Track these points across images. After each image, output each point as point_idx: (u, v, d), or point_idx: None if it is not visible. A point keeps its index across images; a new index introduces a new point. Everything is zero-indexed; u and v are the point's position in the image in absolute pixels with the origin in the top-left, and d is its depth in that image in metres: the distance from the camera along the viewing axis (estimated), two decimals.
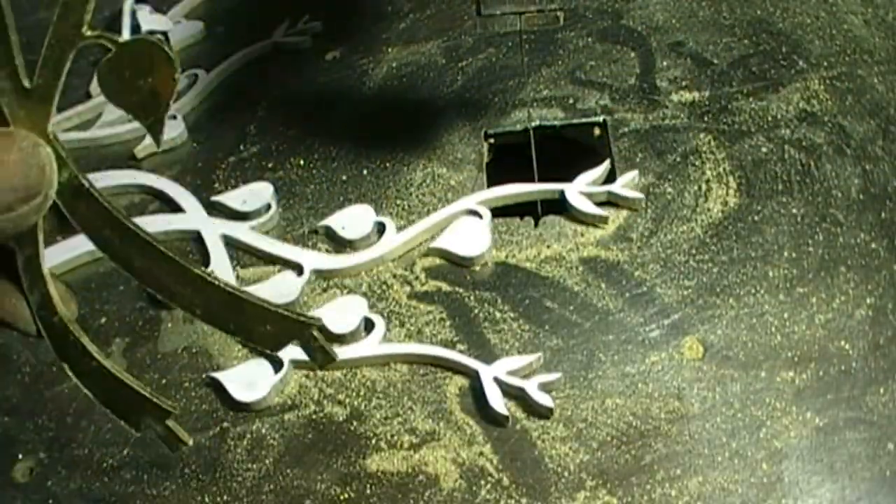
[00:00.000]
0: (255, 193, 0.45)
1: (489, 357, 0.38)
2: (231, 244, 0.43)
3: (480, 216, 0.43)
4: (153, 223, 0.44)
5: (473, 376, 0.37)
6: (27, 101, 0.26)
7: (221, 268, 0.41)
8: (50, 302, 0.26)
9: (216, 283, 0.26)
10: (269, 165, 0.48)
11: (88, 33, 0.25)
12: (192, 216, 0.44)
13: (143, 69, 0.25)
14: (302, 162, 0.48)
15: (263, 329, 0.26)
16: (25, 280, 0.26)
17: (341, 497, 0.35)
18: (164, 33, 0.56)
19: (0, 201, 0.24)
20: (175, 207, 0.45)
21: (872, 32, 0.50)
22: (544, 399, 0.35)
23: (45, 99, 0.26)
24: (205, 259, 0.43)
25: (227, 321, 0.26)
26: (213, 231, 0.43)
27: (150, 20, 0.57)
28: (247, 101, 0.52)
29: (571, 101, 0.49)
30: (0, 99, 0.26)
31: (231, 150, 0.49)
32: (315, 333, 0.26)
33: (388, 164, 0.47)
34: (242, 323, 0.26)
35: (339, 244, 0.43)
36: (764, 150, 0.44)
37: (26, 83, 0.26)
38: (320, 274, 0.42)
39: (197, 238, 0.44)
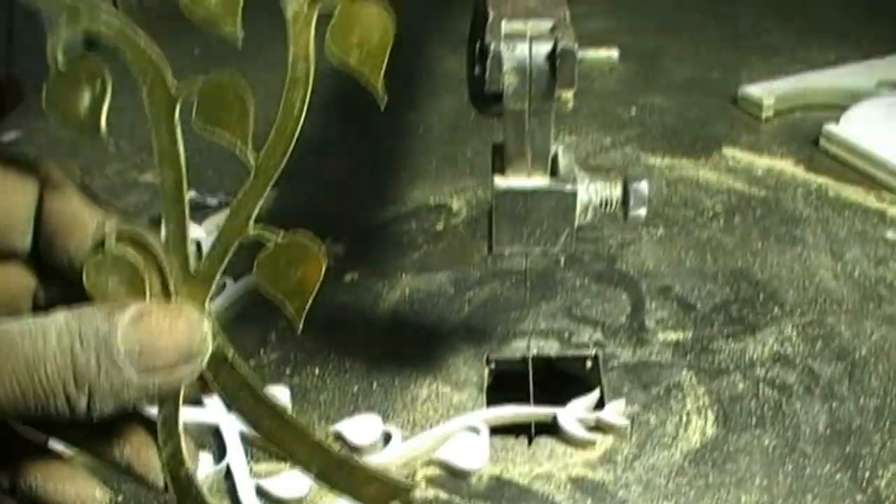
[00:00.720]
0: (273, 397, 0.49)
1: None
2: (247, 440, 0.46)
3: (479, 432, 0.46)
4: None
5: None
6: (190, 282, 0.29)
7: (237, 461, 0.44)
8: (181, 455, 0.29)
9: (331, 448, 0.29)
10: (287, 371, 0.52)
11: (253, 228, 0.28)
12: (213, 411, 0.48)
13: (295, 260, 0.28)
14: (317, 371, 0.52)
15: (369, 489, 0.29)
16: (162, 434, 0.29)
17: None
18: (198, 242, 0.62)
19: (167, 361, 0.27)
20: (196, 401, 0.49)
21: (841, 285, 0.56)
22: None
23: (207, 281, 0.29)
24: (221, 452, 0.46)
25: (338, 481, 0.29)
26: (232, 427, 0.46)
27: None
28: (269, 310, 0.56)
29: (567, 334, 0.53)
30: (169, 278, 0.29)
31: (252, 354, 0.54)
32: (414, 495, 0.29)
33: (396, 380, 0.51)
34: (351, 483, 0.29)
35: (348, 449, 0.46)
36: (740, 386, 0.48)
37: (192, 268, 0.29)
38: None
39: (215, 432, 0.47)
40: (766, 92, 0.78)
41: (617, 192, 0.38)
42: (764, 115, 0.77)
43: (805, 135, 0.73)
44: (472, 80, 0.36)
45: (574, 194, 0.36)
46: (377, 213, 0.66)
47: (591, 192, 0.37)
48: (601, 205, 0.38)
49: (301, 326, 0.29)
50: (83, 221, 0.31)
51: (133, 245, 0.30)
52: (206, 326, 0.29)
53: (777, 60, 0.88)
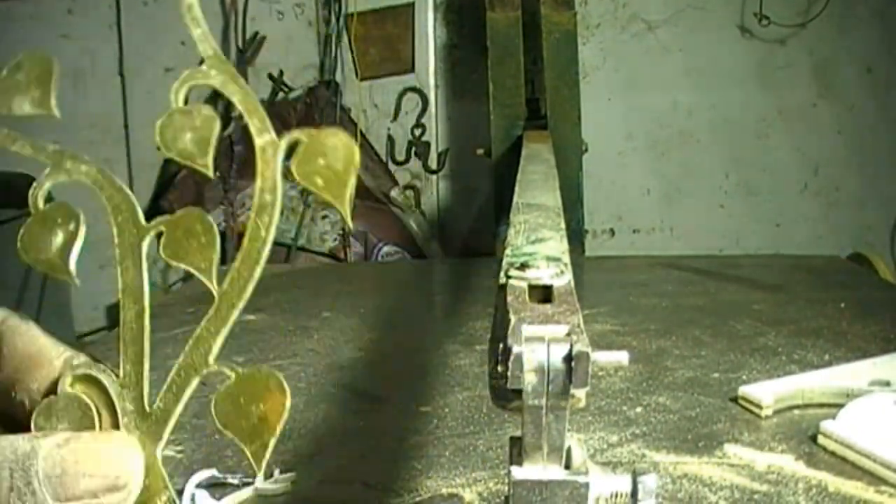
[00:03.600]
0: None
1: None
2: None
3: None
4: None
5: None
6: (145, 422, 0.28)
7: None
8: None
9: None
10: None
11: (213, 363, 0.28)
12: None
13: (256, 396, 0.28)
14: None
15: None
16: None
17: None
18: None
19: (89, 488, 0.25)
20: None
21: None
22: None
23: (162, 421, 0.28)
24: None
25: None
26: None
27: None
28: None
29: None
30: (122, 417, 0.28)
31: None
32: None
33: None
34: None
35: None
36: None
37: (147, 406, 0.28)
38: None
39: None
40: (765, 391, 0.81)
41: (626, 485, 0.40)
42: (763, 413, 0.80)
43: (804, 432, 0.76)
44: (493, 377, 0.40)
45: (587, 486, 0.39)
46: (391, 501, 0.67)
47: (602, 484, 0.40)
48: (612, 497, 0.40)
49: (262, 471, 0.29)
50: (49, 357, 0.31)
51: (87, 384, 0.30)
52: (139, 459, 0.27)
53: (775, 361, 0.93)
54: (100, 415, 0.29)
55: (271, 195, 0.29)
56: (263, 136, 0.29)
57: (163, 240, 0.30)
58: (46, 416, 0.29)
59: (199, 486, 0.67)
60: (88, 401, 0.29)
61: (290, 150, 0.30)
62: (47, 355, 0.31)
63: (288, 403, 0.28)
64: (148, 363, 0.30)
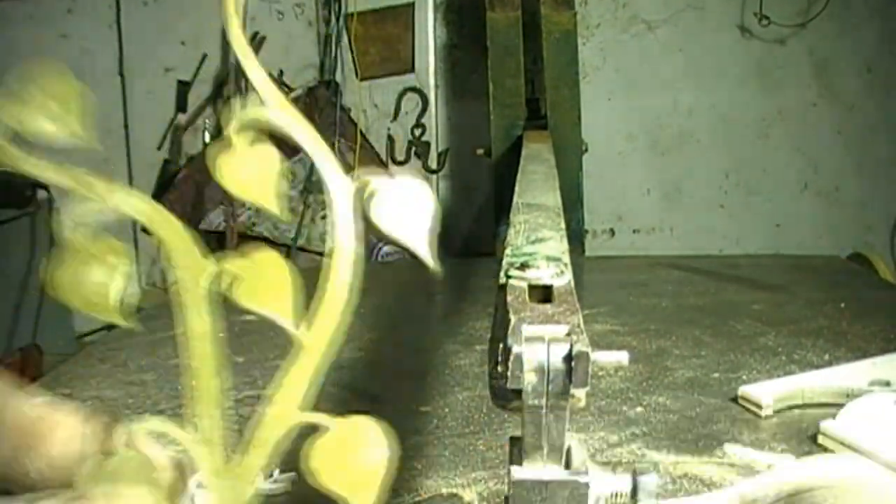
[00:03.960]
0: None
1: None
2: None
3: None
4: None
5: None
6: (226, 479, 0.25)
7: None
8: None
9: None
10: None
11: (302, 415, 0.25)
12: None
13: (355, 447, 0.25)
14: None
15: None
16: None
17: None
18: None
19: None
20: None
21: None
22: None
23: (246, 478, 0.25)
24: None
25: None
26: None
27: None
28: None
29: None
30: (200, 475, 0.25)
31: None
32: None
33: None
34: None
35: None
36: None
37: (227, 461, 0.26)
38: None
39: None
40: (765, 391, 0.81)
41: (626, 484, 0.40)
42: (763, 413, 0.80)
43: (804, 431, 0.76)
44: (493, 377, 0.40)
45: (587, 485, 0.39)
46: (391, 500, 0.67)
47: (602, 484, 0.40)
48: (612, 496, 0.40)
49: None
50: (51, 424, 0.29)
51: (146, 441, 0.27)
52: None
53: (774, 361, 0.93)
54: (165, 472, 0.27)
55: (349, 237, 0.27)
56: (338, 180, 0.28)
57: (234, 280, 0.28)
58: (97, 477, 0.27)
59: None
60: (153, 458, 0.27)
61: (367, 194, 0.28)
62: (49, 423, 0.29)
63: (389, 455, 0.26)
64: (222, 415, 0.27)
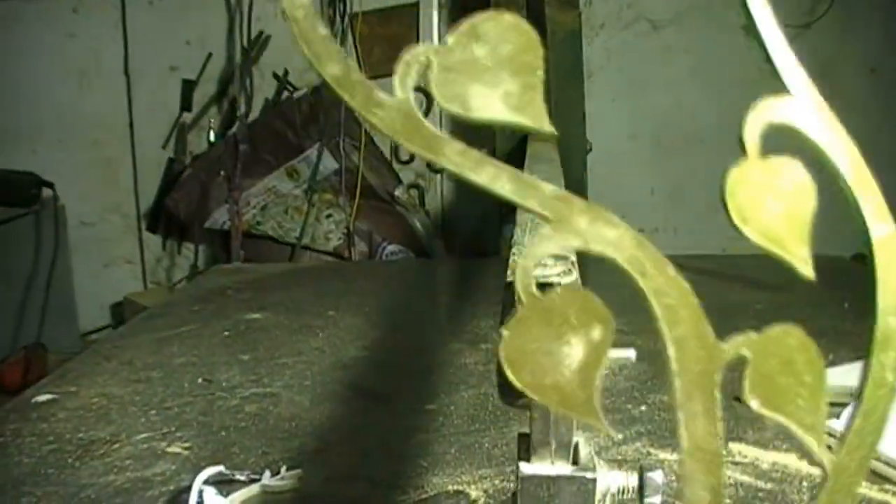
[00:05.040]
0: None
1: None
2: None
3: None
4: None
5: None
6: None
7: None
8: None
9: None
10: None
11: None
12: None
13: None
14: None
15: None
16: None
17: None
18: None
19: None
20: None
21: None
22: None
23: None
24: None
25: None
26: None
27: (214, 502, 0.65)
28: None
29: None
30: None
31: None
32: None
33: None
34: None
35: None
36: None
37: None
38: None
39: None
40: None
41: (633, 480, 0.41)
42: None
43: None
44: (501, 374, 0.41)
45: (594, 481, 0.39)
46: (397, 498, 0.68)
47: (609, 480, 0.40)
48: (618, 492, 0.40)
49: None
50: None
51: None
52: None
53: None
54: None
55: None
56: (881, 227, 0.21)
57: (748, 374, 0.21)
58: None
59: (206, 482, 0.68)
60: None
61: None
62: None
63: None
64: None
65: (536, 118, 0.20)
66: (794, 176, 0.23)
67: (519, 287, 0.20)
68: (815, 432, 0.21)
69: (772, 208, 0.21)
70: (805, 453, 0.73)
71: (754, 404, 0.21)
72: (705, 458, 0.20)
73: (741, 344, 0.20)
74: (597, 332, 0.20)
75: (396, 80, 0.20)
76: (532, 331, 0.19)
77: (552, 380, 0.19)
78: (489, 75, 0.20)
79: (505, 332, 0.20)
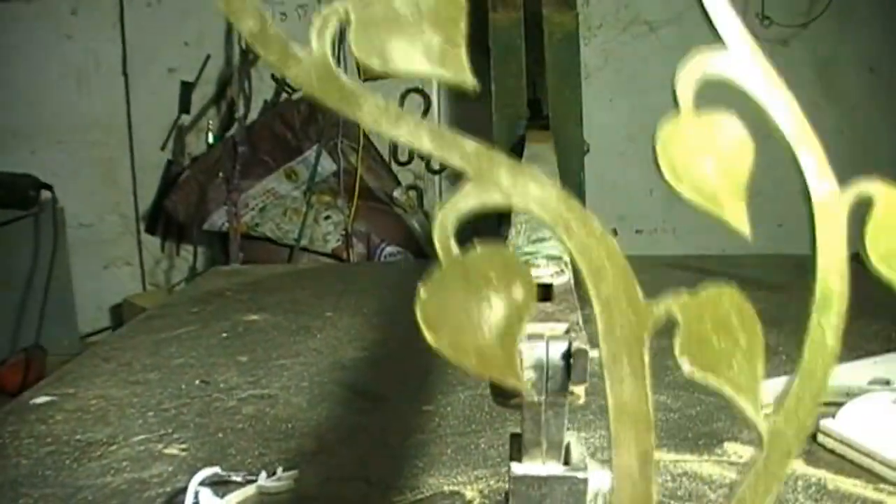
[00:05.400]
0: None
1: None
2: None
3: None
4: None
5: None
6: None
7: None
8: None
9: None
10: None
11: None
12: None
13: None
14: None
15: None
16: None
17: None
18: None
19: None
20: None
21: None
22: None
23: None
24: None
25: None
26: None
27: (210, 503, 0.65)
28: None
29: None
30: None
31: None
32: None
33: None
34: None
35: None
36: None
37: None
38: None
39: None
40: (765, 390, 0.82)
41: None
42: (764, 411, 0.80)
43: None
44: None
45: (585, 481, 0.39)
46: (394, 498, 0.68)
47: (600, 480, 0.40)
48: (610, 492, 0.40)
49: None
50: None
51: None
52: None
53: (775, 360, 0.93)
54: None
55: (837, 278, 0.20)
56: (822, 184, 0.20)
57: (678, 335, 0.20)
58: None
59: (202, 483, 0.68)
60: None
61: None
62: None
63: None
64: None
65: (458, 72, 0.20)
66: (730, 131, 0.22)
67: (437, 245, 0.19)
68: (751, 396, 0.20)
69: (706, 164, 0.21)
70: (801, 453, 0.73)
71: (686, 367, 0.20)
72: (634, 422, 0.20)
73: (671, 305, 0.20)
74: (518, 292, 0.19)
75: (314, 33, 0.20)
76: (451, 290, 0.19)
77: (471, 340, 0.19)
78: (410, 28, 0.19)
79: (421, 291, 0.19)
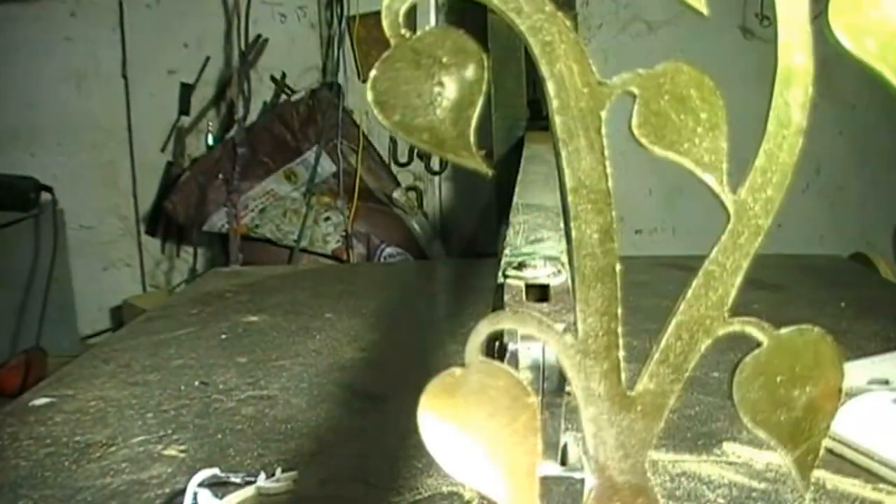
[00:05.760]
0: None
1: None
2: None
3: None
4: None
5: None
6: (623, 410, 0.17)
7: None
8: None
9: None
10: None
11: (730, 318, 0.17)
12: None
13: (803, 373, 0.18)
14: None
15: None
16: None
17: None
18: None
19: None
20: None
21: None
22: None
23: (652, 409, 0.17)
24: None
25: None
26: None
27: None
28: None
29: None
30: (582, 403, 0.17)
31: None
32: None
33: None
34: None
35: None
36: None
37: (624, 384, 0.17)
38: None
39: None
40: None
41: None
42: None
43: None
44: None
45: (582, 481, 0.39)
46: (392, 499, 0.68)
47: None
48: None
49: (808, 486, 0.19)
50: None
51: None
52: None
53: None
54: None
55: (801, 53, 0.19)
56: None
57: (636, 111, 0.19)
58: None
59: (201, 485, 0.68)
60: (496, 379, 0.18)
61: None
62: None
63: (842, 383, 0.17)
64: (619, 317, 0.18)
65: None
66: None
67: (386, 27, 0.18)
68: (715, 170, 0.19)
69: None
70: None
71: (644, 141, 0.18)
72: (592, 196, 0.18)
73: (627, 81, 0.18)
74: (470, 71, 0.19)
75: None
76: (402, 72, 0.18)
77: (424, 120, 0.18)
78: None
79: (372, 73, 0.18)
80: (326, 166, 2.47)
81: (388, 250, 2.45)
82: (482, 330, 0.22)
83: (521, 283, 0.45)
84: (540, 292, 0.44)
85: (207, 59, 2.55)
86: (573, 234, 0.20)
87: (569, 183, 0.20)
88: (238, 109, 2.45)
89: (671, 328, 0.19)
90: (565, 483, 0.39)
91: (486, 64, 0.20)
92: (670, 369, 0.19)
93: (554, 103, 0.20)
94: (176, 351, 1.03)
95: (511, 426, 0.20)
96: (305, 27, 2.55)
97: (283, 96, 2.54)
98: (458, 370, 0.21)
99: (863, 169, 2.50)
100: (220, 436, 0.78)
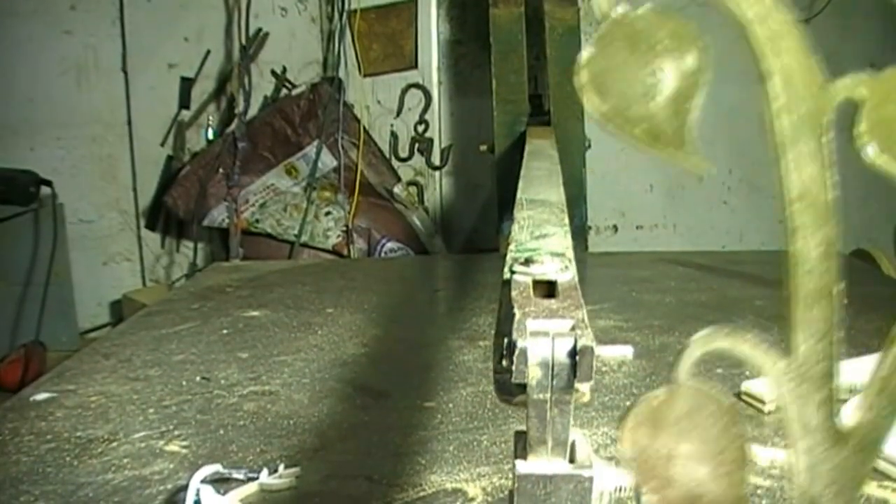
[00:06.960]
0: None
1: None
2: None
3: None
4: None
5: None
6: (839, 445, 0.16)
7: None
8: None
9: None
10: None
11: None
12: None
13: None
14: None
15: None
16: None
17: None
18: None
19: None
20: None
21: None
22: None
23: (867, 444, 0.17)
24: None
25: None
26: None
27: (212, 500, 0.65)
28: None
29: None
30: (802, 440, 0.16)
31: None
32: None
33: None
34: None
35: None
36: None
37: (838, 415, 0.16)
38: None
39: None
40: (767, 387, 0.82)
41: (630, 478, 0.40)
42: (766, 408, 0.80)
43: None
44: (498, 372, 0.40)
45: (591, 479, 0.39)
46: (395, 496, 0.68)
47: (606, 478, 0.40)
48: (615, 490, 0.40)
49: None
50: None
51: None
52: None
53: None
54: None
55: None
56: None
57: (864, 116, 0.18)
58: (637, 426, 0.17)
59: (203, 481, 0.67)
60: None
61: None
62: None
63: None
64: (838, 342, 0.17)
65: None
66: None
67: (600, 3, 0.15)
68: None
69: None
70: None
71: (870, 150, 0.18)
72: (814, 205, 0.17)
73: (856, 84, 0.17)
74: (690, 60, 0.16)
75: None
76: (616, 55, 0.16)
77: (639, 110, 0.16)
78: None
79: (585, 54, 0.16)
80: (327, 161, 2.46)
81: (389, 245, 2.45)
82: (696, 349, 0.21)
83: (529, 280, 0.44)
84: (547, 288, 0.44)
85: (208, 52, 2.55)
86: (791, 247, 0.18)
87: (790, 193, 0.18)
88: (238, 103, 2.44)
89: (891, 359, 0.17)
90: (574, 481, 0.39)
91: (708, 54, 0.18)
92: (886, 401, 0.18)
93: (780, 100, 0.18)
94: (177, 346, 1.03)
95: (718, 459, 0.20)
96: (306, 21, 2.54)
97: (284, 90, 2.53)
98: (660, 394, 0.20)
99: (863, 168, 2.49)
100: (222, 431, 0.77)
